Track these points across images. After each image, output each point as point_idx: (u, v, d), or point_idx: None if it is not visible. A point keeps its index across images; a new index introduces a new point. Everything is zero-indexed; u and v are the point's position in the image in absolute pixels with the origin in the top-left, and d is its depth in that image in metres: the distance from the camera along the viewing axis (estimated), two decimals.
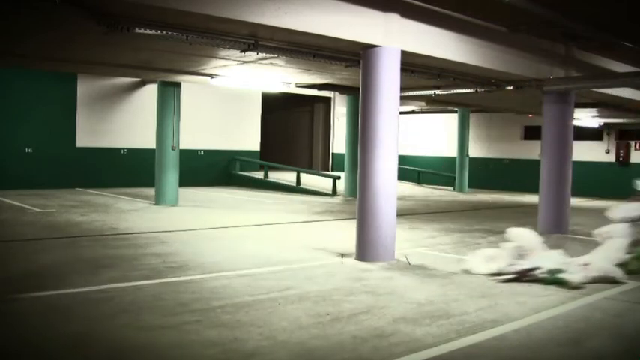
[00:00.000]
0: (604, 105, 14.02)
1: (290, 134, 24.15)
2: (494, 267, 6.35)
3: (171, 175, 13.11)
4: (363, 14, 6.94)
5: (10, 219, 10.10)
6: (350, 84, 12.81)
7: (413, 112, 22.09)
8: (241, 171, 19.68)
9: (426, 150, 23.46)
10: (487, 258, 6.55)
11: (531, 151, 20.02)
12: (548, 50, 9.87)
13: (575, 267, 6.21)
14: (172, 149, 13.08)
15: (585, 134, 19.50)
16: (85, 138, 16.83)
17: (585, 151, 19.57)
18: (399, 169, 7.72)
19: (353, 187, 15.12)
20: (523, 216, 12.73)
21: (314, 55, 8.07)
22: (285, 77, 11.77)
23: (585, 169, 18.90)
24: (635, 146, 19.88)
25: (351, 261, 7.13)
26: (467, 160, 20.64)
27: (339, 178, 17.07)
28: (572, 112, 10.47)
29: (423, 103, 17.89)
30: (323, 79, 12.23)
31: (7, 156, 15.33)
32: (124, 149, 17.49)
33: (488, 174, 21.97)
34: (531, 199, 15.30)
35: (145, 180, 15.93)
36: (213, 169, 19.37)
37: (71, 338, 4.09)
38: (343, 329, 4.41)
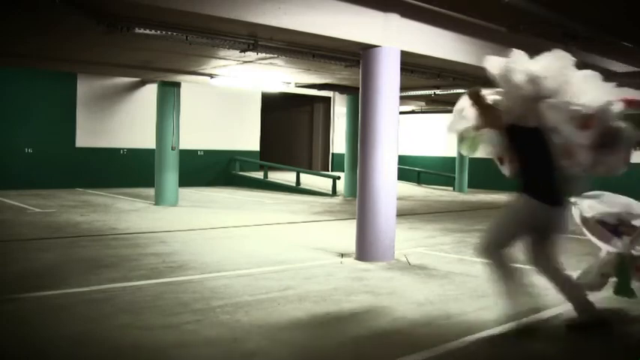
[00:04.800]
0: None
1: (290, 134, 24.15)
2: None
3: (170, 175, 13.10)
4: (363, 14, 6.94)
5: (10, 219, 10.10)
6: (350, 84, 12.82)
7: (413, 112, 22.08)
8: (241, 171, 19.67)
9: (426, 150, 23.44)
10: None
11: None
12: (548, 50, 9.84)
13: None
14: (172, 149, 13.08)
15: None
16: (85, 138, 16.83)
17: None
18: (399, 169, 7.72)
19: (353, 187, 15.11)
20: None
21: (314, 55, 8.08)
22: (285, 77, 11.78)
23: None
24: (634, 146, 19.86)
25: (350, 261, 7.13)
26: (467, 160, 20.63)
27: (338, 178, 17.07)
28: None
29: (423, 103, 17.91)
30: (323, 79, 12.24)
31: (7, 156, 15.33)
32: (123, 149, 17.49)
33: (488, 174, 21.95)
34: None
35: (144, 180, 15.94)
36: (213, 169, 19.37)
37: (71, 338, 4.09)
38: (343, 329, 4.41)
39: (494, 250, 4.33)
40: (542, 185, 4.27)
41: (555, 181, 4.32)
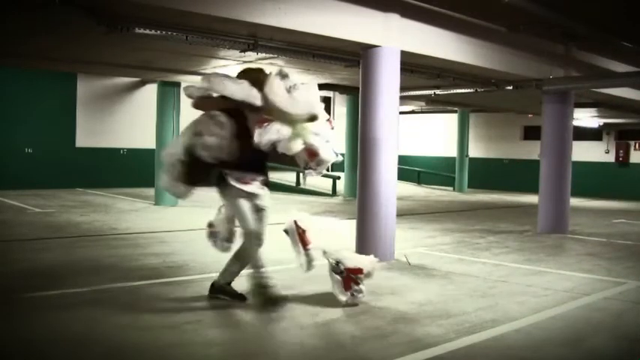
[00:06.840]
0: (604, 105, 14.03)
1: None
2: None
3: None
4: (363, 14, 6.94)
5: (10, 219, 10.09)
6: (349, 84, 12.81)
7: (413, 112, 22.09)
8: None
9: (426, 150, 23.45)
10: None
11: (531, 151, 20.03)
12: (548, 50, 9.87)
13: None
14: None
15: (585, 134, 19.50)
16: (85, 138, 16.83)
17: (585, 151, 19.57)
18: (399, 169, 7.71)
19: (353, 187, 15.11)
20: (523, 215, 12.73)
21: (314, 55, 8.08)
22: None
23: (585, 169, 18.91)
24: (634, 146, 19.89)
25: None
26: (467, 160, 20.63)
27: (339, 178, 17.06)
28: (572, 112, 10.48)
29: (423, 103, 17.90)
30: (323, 79, 12.22)
31: (7, 156, 15.33)
32: (123, 149, 17.48)
33: (488, 174, 21.97)
34: (531, 199, 15.31)
35: (144, 180, 15.91)
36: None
37: (71, 338, 4.09)
38: (343, 329, 4.41)
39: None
40: None
41: None
